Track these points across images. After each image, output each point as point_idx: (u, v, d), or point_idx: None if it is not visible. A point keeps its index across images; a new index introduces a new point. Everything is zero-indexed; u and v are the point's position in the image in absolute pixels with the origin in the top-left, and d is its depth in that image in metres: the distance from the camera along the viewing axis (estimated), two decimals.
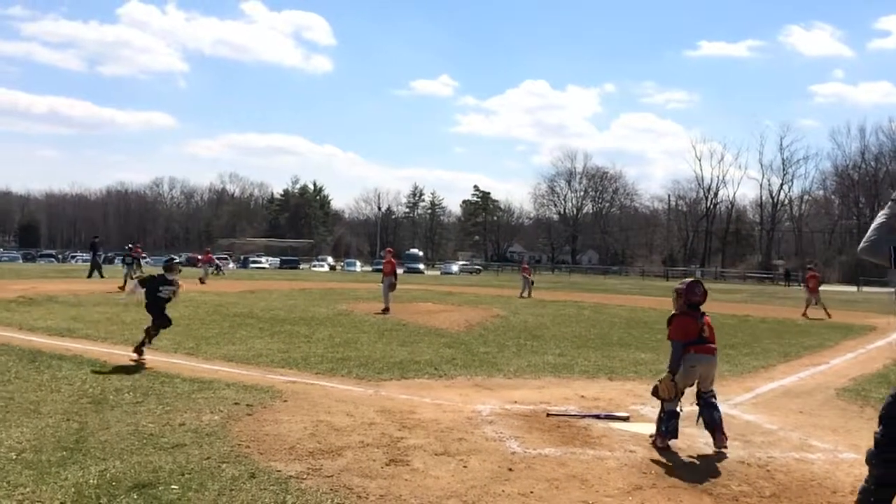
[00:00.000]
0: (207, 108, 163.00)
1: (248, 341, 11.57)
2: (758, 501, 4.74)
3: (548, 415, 6.89)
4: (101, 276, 28.77)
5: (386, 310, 17.98)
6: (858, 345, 14.62)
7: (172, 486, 4.52)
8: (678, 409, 5.98)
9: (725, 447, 5.86)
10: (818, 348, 13.67)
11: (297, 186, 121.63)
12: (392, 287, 18.73)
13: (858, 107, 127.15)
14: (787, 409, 7.81)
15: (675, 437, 5.96)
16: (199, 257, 38.39)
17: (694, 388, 6.09)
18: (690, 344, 5.97)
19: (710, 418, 5.96)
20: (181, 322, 13.93)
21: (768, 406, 7.95)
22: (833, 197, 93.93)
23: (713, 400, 6.04)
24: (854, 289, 50.52)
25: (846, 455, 5.98)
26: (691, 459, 5.65)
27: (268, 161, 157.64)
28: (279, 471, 4.93)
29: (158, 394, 7.23)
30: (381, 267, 20.36)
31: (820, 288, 27.25)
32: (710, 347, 6.07)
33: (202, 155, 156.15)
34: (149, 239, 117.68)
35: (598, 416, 6.96)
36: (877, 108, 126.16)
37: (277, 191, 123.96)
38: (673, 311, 6.23)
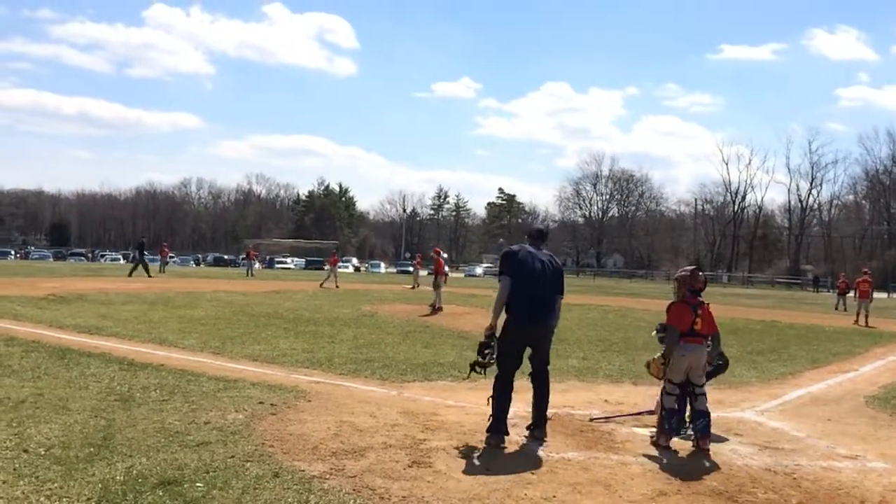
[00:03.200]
0: (233, 109, 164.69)
1: (273, 341, 11.65)
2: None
3: (591, 419, 6.96)
4: (149, 276, 29.35)
5: (439, 308, 19.13)
6: (889, 352, 14.38)
7: (197, 484, 4.56)
8: (676, 405, 6.16)
9: (707, 451, 5.93)
10: (847, 355, 13.46)
11: (323, 188, 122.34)
12: (436, 286, 20.11)
13: (885, 110, 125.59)
14: (814, 416, 7.70)
15: (678, 434, 6.16)
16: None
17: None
18: (681, 335, 6.13)
19: (702, 426, 6.06)
20: (207, 321, 14.09)
21: (795, 413, 7.84)
22: (864, 202, 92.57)
23: (704, 397, 6.16)
24: (885, 295, 49.63)
25: (875, 464, 5.88)
26: (716, 466, 5.58)
27: (293, 162, 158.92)
28: (302, 470, 4.95)
29: (184, 392, 7.30)
30: (408, 269, 20.70)
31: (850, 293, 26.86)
32: (699, 339, 6.18)
33: (228, 156, 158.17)
34: (176, 239, 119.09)
35: (639, 413, 7.04)
36: None
37: (303, 192, 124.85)
38: (673, 300, 6.42)
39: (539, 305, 6.11)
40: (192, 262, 74.04)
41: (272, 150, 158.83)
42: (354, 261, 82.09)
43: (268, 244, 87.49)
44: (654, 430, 6.28)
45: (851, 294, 26.98)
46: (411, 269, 41.18)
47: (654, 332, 6.71)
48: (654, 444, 6.07)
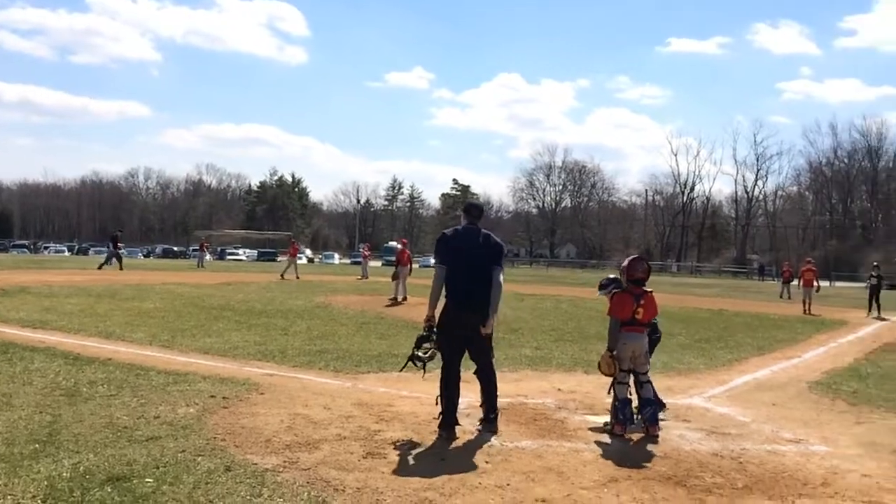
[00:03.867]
0: (182, 97, 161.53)
1: (225, 334, 11.50)
2: (730, 493, 4.81)
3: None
4: (121, 269, 29.46)
5: (404, 299, 19.12)
6: (830, 339, 14.85)
7: (147, 480, 4.49)
8: (629, 395, 6.24)
9: (657, 437, 6.04)
10: (791, 342, 13.86)
11: (275, 178, 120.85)
12: (395, 277, 19.99)
13: (826, 104, 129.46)
14: (759, 401, 7.92)
15: (632, 423, 6.19)
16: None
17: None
18: (623, 324, 6.26)
19: (649, 413, 6.18)
20: (156, 314, 13.84)
21: (741, 399, 8.05)
22: (807, 193, 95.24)
23: (650, 385, 6.30)
24: (826, 283, 51.18)
25: (817, 448, 6.07)
26: (666, 452, 5.70)
27: (244, 152, 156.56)
28: (255, 464, 4.91)
29: (133, 386, 7.16)
30: (359, 260, 20.64)
31: (794, 281, 27.61)
32: (640, 328, 6.29)
33: (177, 145, 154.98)
34: (124, 230, 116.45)
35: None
36: (845, 105, 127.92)
37: (255, 182, 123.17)
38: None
39: (473, 289, 5.89)
40: (140, 255, 72.58)
41: (222, 139, 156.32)
42: (308, 252, 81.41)
43: (219, 235, 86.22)
44: (609, 419, 6.38)
45: (795, 283, 27.75)
46: (360, 260, 41.14)
47: (599, 289, 6.87)
48: (610, 433, 6.15)
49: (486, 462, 5.22)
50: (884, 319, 20.49)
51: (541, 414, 6.80)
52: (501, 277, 5.97)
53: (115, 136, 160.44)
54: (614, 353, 6.26)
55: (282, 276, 28.95)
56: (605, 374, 6.37)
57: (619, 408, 6.18)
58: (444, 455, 5.35)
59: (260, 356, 9.54)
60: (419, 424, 6.20)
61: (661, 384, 8.65)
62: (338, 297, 19.91)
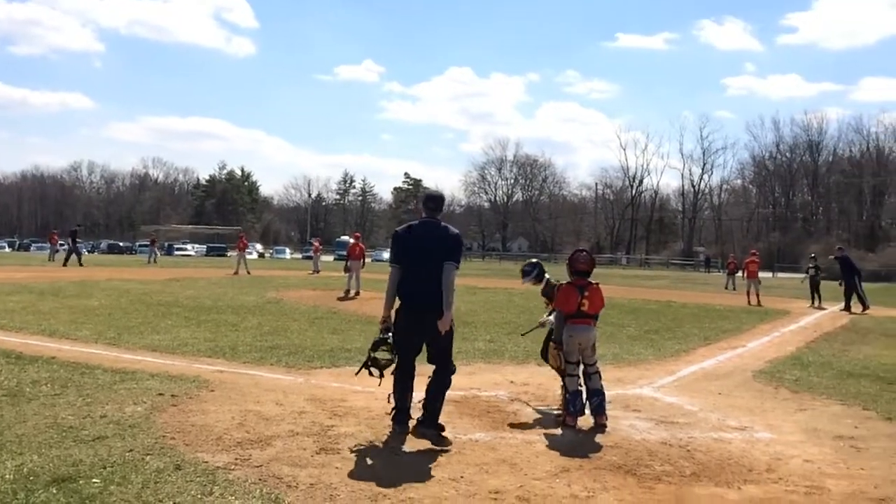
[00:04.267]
0: (126, 89, 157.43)
1: (174, 330, 11.29)
2: (679, 481, 4.91)
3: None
4: (81, 265, 29.68)
5: (357, 293, 19.36)
6: (773, 328, 15.26)
7: (94, 480, 4.39)
8: (579, 387, 6.27)
9: (605, 427, 6.12)
10: (736, 332, 14.20)
11: (224, 172, 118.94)
12: (346, 270, 20.49)
13: (768, 99, 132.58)
14: (706, 391, 8.10)
15: (583, 414, 6.23)
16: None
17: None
18: (569, 316, 6.29)
19: (597, 403, 6.24)
20: (101, 311, 13.52)
21: (689, 388, 8.23)
22: (750, 186, 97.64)
23: (598, 376, 6.33)
24: (769, 274, 52.57)
25: (762, 434, 6.24)
26: (616, 441, 5.80)
27: (191, 145, 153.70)
28: (206, 462, 4.84)
29: (78, 385, 6.99)
30: (311, 254, 20.57)
31: (739, 273, 28.23)
32: (587, 319, 6.31)
33: (122, 138, 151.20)
34: (67, 225, 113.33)
35: None
36: (787, 100, 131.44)
37: (203, 176, 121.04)
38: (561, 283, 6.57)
39: (428, 288, 5.63)
40: (84, 250, 70.70)
41: (169, 132, 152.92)
42: (259, 247, 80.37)
43: (166, 230, 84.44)
44: (561, 411, 6.44)
45: (740, 274, 28.45)
46: (311, 254, 40.91)
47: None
48: (563, 425, 6.20)
49: (440, 455, 5.24)
50: (824, 309, 21.14)
51: (494, 406, 6.85)
52: (453, 273, 5.66)
53: (57, 128, 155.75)
54: (561, 345, 6.32)
55: (235, 272, 28.62)
56: (553, 368, 6.43)
57: (570, 399, 6.22)
58: (397, 449, 5.36)
59: (210, 353, 9.39)
60: (373, 419, 6.19)
61: (611, 375, 8.80)
62: (290, 292, 19.72)
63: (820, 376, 9.20)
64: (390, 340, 5.81)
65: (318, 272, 31.06)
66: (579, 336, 6.29)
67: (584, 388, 6.32)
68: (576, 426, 6.15)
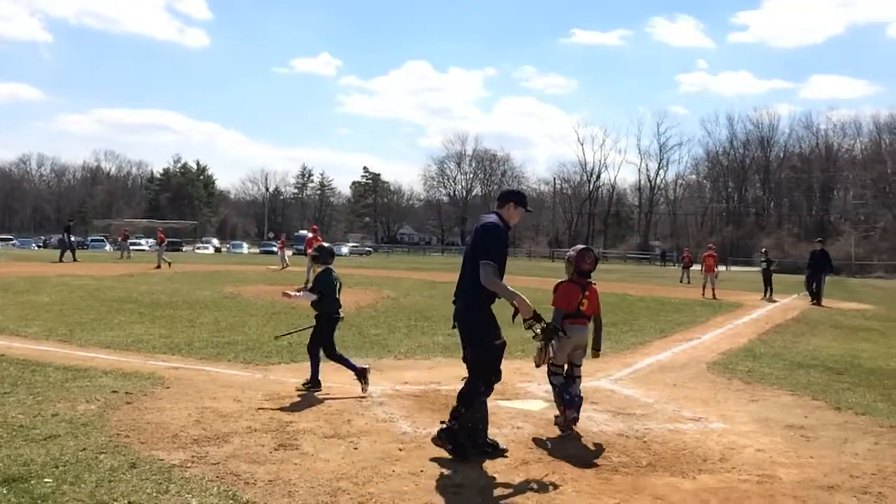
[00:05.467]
0: (76, 81, 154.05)
1: (127, 327, 11.08)
2: (635, 471, 4.99)
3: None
4: (74, 259, 29.78)
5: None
6: (727, 320, 15.57)
7: (46, 480, 4.29)
8: (564, 378, 6.00)
9: (574, 426, 5.88)
10: (690, 324, 14.46)
11: (179, 165, 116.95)
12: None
13: (721, 96, 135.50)
14: (662, 382, 8.23)
15: (580, 402, 5.91)
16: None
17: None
18: (567, 316, 5.98)
19: (573, 401, 5.90)
20: (52, 307, 13.20)
21: (645, 380, 8.35)
22: (705, 181, 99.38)
23: (579, 380, 6.05)
24: (724, 268, 53.64)
25: (715, 425, 6.37)
26: (574, 434, 5.86)
27: (144, 138, 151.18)
28: (161, 459, 4.76)
29: (28, 383, 6.82)
30: (272, 249, 20.39)
31: (694, 266, 28.67)
32: (583, 319, 6.05)
33: (72, 130, 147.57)
34: (15, 219, 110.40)
35: None
36: (738, 97, 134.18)
37: (157, 169, 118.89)
38: (561, 280, 6.26)
39: (458, 286, 5.41)
40: (34, 245, 68.93)
41: (121, 125, 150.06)
42: (215, 241, 79.29)
43: (119, 224, 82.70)
44: (559, 413, 6.05)
45: (697, 267, 28.93)
46: (276, 250, 40.47)
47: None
48: (563, 424, 5.89)
49: (400, 449, 5.24)
50: (775, 301, 21.64)
51: (454, 400, 6.84)
52: (485, 271, 5.11)
53: (5, 120, 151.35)
54: (553, 346, 5.78)
55: (157, 265, 28.39)
56: (537, 365, 5.96)
57: (561, 391, 5.91)
58: (357, 444, 5.34)
59: (165, 349, 9.24)
60: (332, 414, 6.16)
61: None
62: (247, 288, 19.50)
63: (771, 367, 9.42)
64: (543, 324, 5.35)
65: (284, 267, 30.85)
66: (576, 337, 5.96)
67: (565, 380, 6.01)
68: (577, 416, 5.86)
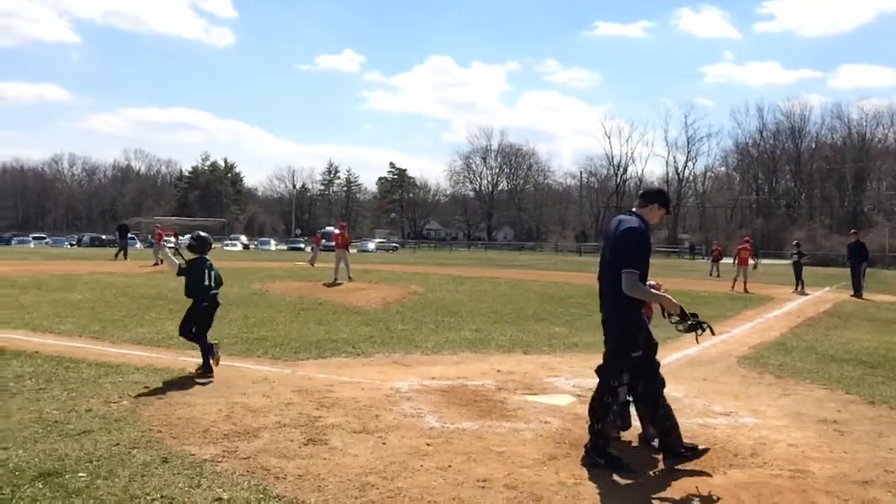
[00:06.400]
0: (104, 81, 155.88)
1: (158, 323, 11.23)
2: (664, 467, 4.95)
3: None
4: (125, 258, 30.94)
5: (338, 282, 19.81)
6: (757, 314, 15.38)
7: (80, 474, 4.36)
8: (629, 397, 5.42)
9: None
10: (720, 318, 14.28)
11: (208, 163, 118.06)
12: (338, 259, 20.90)
13: (747, 86, 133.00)
14: (691, 377, 8.16)
15: (629, 426, 5.58)
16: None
17: None
18: None
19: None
20: (85, 305, 13.42)
21: (674, 375, 8.26)
22: (734, 173, 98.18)
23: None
24: (753, 261, 53.00)
25: (746, 420, 6.30)
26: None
27: (172, 137, 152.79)
28: (193, 454, 4.82)
29: (62, 380, 6.94)
30: (300, 245, 20.62)
31: (723, 260, 28.28)
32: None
33: (102, 130, 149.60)
34: (48, 218, 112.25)
35: None
36: (765, 87, 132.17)
37: (186, 168, 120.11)
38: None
39: (601, 295, 5.18)
40: (66, 243, 70.09)
41: (149, 124, 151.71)
42: (243, 238, 79.97)
43: (149, 222, 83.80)
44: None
45: (727, 260, 28.60)
46: (310, 247, 40.68)
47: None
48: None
49: (428, 444, 5.25)
50: (807, 294, 21.33)
51: (481, 395, 6.86)
52: (629, 282, 4.85)
53: (34, 121, 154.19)
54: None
55: (155, 263, 27.68)
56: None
57: (617, 412, 5.27)
58: (385, 439, 5.36)
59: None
60: (360, 409, 6.19)
61: (597, 362, 8.83)
62: (275, 284, 19.65)
63: (803, 361, 9.29)
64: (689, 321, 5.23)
65: (314, 265, 30.87)
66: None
67: (628, 400, 5.48)
68: (619, 436, 5.41)
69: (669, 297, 5.11)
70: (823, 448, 5.49)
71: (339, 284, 19.50)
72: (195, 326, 7.72)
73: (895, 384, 7.94)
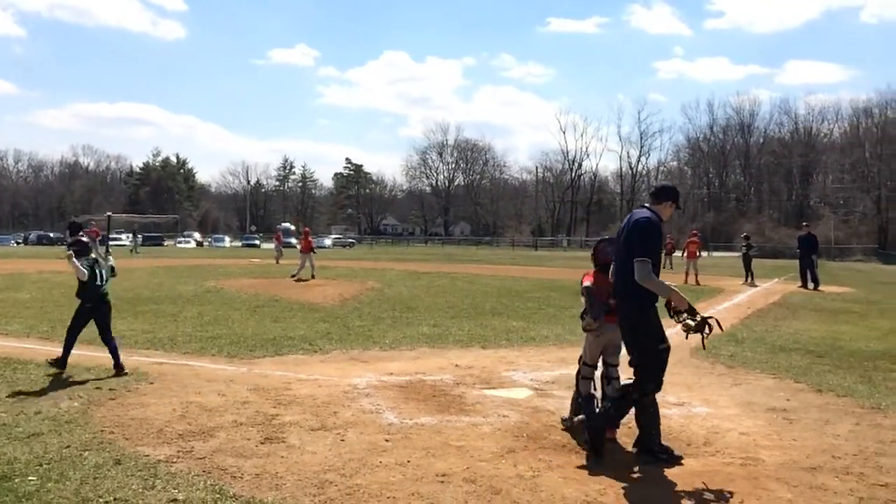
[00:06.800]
0: (50, 75, 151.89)
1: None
2: (621, 456, 5.03)
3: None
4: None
5: (302, 279, 20.11)
6: (709, 306, 15.66)
7: (30, 478, 4.26)
8: (594, 391, 5.57)
9: (614, 440, 5.39)
10: None
11: (159, 159, 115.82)
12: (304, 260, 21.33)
13: (698, 82, 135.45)
14: None
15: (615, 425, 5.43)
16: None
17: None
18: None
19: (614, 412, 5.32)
20: (33, 304, 13.08)
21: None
22: (686, 168, 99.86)
23: (616, 379, 5.57)
24: (705, 254, 54.02)
25: (699, 409, 6.43)
26: (560, 422, 5.88)
27: (122, 132, 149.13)
28: (147, 455, 4.74)
29: (10, 381, 6.76)
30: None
31: (676, 253, 28.79)
32: (614, 317, 5.42)
33: (49, 126, 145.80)
34: None
35: None
36: (715, 83, 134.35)
37: (137, 164, 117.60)
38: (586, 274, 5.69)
39: (617, 291, 5.22)
40: (12, 242, 68.15)
41: (98, 119, 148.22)
42: (196, 235, 78.72)
43: (99, 220, 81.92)
44: (567, 415, 5.77)
45: (678, 254, 29.10)
46: (273, 245, 40.27)
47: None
48: (570, 426, 5.52)
49: (387, 440, 5.24)
50: (756, 286, 21.83)
51: (439, 390, 6.87)
52: (643, 272, 4.92)
53: None
54: (585, 349, 5.62)
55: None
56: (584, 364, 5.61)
57: (584, 404, 5.44)
58: (344, 436, 5.33)
59: (148, 344, 9.19)
60: (318, 407, 6.15)
61: (554, 356, 8.94)
62: (230, 281, 19.40)
63: (754, 351, 9.51)
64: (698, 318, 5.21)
65: (278, 262, 30.46)
66: (609, 334, 5.50)
67: (593, 393, 5.59)
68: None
69: (679, 292, 5.12)
70: (773, 436, 5.63)
71: (304, 281, 19.56)
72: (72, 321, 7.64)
73: (841, 373, 8.18)
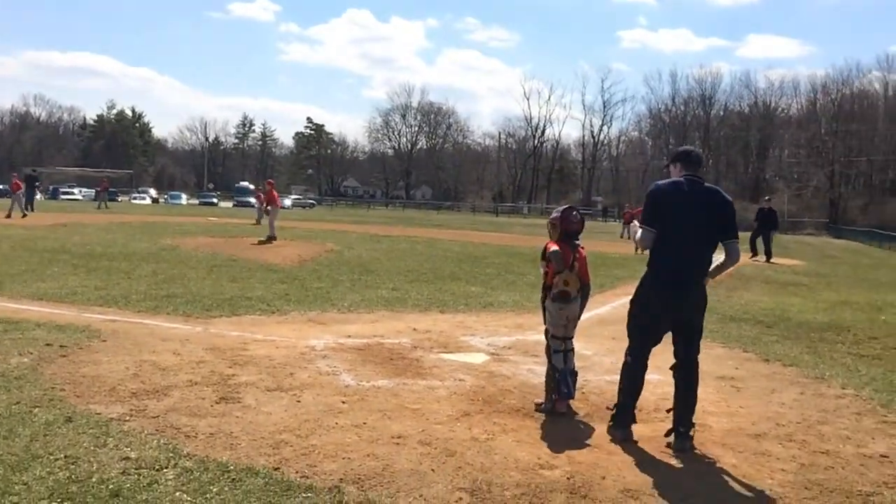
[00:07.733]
0: (0, 20, 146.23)
1: (61, 278, 10.77)
2: (574, 422, 5.14)
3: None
4: (31, 210, 28.39)
5: (272, 238, 19.66)
6: None
7: None
8: (566, 362, 5.36)
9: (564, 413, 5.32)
10: (629, 279, 14.71)
11: (114, 112, 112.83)
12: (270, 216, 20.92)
13: (661, 53, 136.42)
14: (601, 336, 8.42)
15: (573, 396, 5.35)
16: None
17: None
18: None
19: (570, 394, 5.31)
20: None
21: (585, 334, 8.47)
22: (646, 138, 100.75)
23: (572, 351, 5.44)
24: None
25: (650, 377, 6.52)
26: (515, 386, 5.97)
27: (75, 83, 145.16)
28: (99, 413, 4.68)
29: None
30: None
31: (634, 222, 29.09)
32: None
33: None
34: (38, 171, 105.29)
35: None
36: (677, 54, 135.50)
37: (90, 116, 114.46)
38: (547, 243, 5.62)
39: (687, 265, 4.87)
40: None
41: (49, 68, 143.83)
42: (152, 192, 77.20)
43: (51, 172, 79.70)
44: (542, 400, 5.50)
45: (635, 223, 29.42)
46: (253, 202, 39.30)
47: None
48: (550, 412, 5.28)
49: (343, 402, 5.26)
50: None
51: (397, 353, 6.90)
52: (738, 253, 5.01)
53: None
54: (546, 321, 5.49)
55: (8, 215, 25.90)
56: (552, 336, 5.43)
57: (560, 380, 5.25)
58: (300, 397, 5.33)
59: (101, 302, 9.03)
60: (274, 367, 6.13)
61: (511, 322, 9.04)
62: (186, 240, 19.11)
63: (705, 321, 9.68)
64: None
65: (259, 223, 28.92)
66: (568, 308, 5.42)
67: (566, 365, 5.37)
68: (567, 410, 5.33)
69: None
70: (721, 403, 5.79)
71: (263, 243, 18.98)
72: None
73: (788, 343, 8.42)
